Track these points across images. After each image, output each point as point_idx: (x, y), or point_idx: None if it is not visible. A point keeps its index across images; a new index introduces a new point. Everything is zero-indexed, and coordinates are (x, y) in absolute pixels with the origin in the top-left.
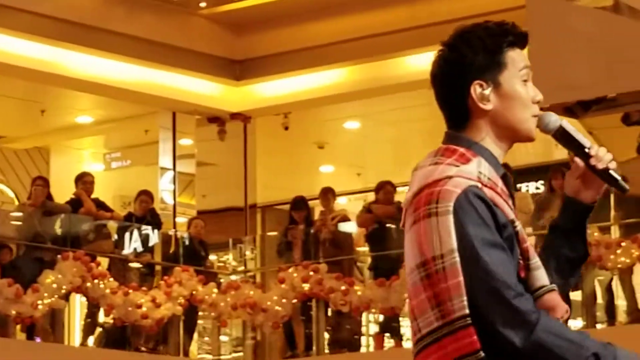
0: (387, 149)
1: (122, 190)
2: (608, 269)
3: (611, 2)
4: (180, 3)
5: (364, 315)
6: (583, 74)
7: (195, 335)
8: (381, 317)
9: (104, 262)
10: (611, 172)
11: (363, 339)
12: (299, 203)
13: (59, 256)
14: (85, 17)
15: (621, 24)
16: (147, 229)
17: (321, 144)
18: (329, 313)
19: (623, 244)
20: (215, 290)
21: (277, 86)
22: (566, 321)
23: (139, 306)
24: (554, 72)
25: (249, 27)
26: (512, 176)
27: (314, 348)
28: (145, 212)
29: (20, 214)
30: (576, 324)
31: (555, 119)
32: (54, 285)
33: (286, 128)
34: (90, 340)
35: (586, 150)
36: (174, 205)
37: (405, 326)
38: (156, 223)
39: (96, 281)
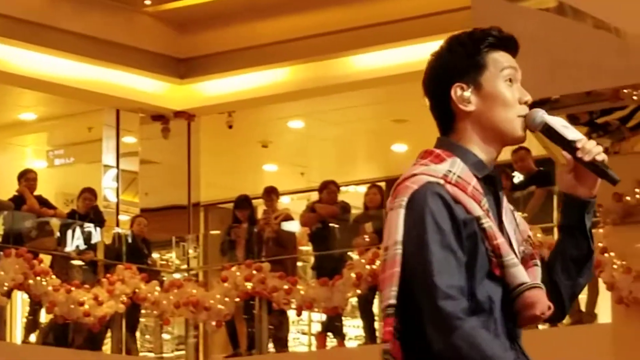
0: (330, 149)
1: (65, 188)
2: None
3: (555, 3)
4: (125, 1)
5: (307, 314)
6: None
7: (138, 334)
8: (324, 317)
9: (46, 259)
10: (598, 164)
11: (305, 338)
12: (243, 202)
13: (1, 253)
14: (30, 14)
15: (565, 26)
16: (90, 227)
17: (265, 143)
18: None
19: None
20: (158, 288)
21: (222, 85)
22: (549, 318)
23: (82, 304)
24: None
25: (194, 26)
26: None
27: (257, 347)
28: (88, 210)
29: None
30: None
31: (540, 115)
32: None
33: (230, 127)
34: (32, 338)
35: (572, 144)
36: (117, 203)
37: (348, 326)
38: (99, 221)
39: (38, 278)
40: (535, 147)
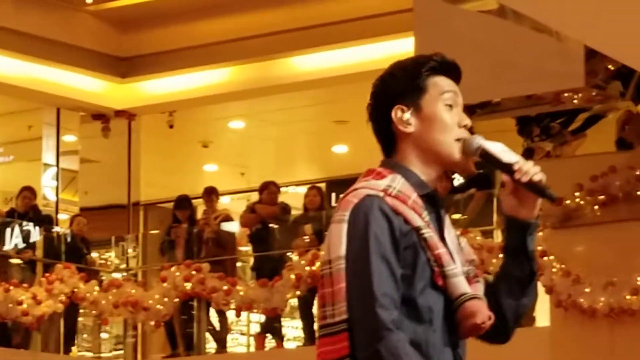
0: (271, 149)
1: (5, 186)
2: (490, 273)
3: (497, 6)
4: None
5: (245, 315)
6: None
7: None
8: (262, 318)
9: None
10: (536, 184)
11: (244, 339)
12: (183, 202)
13: None
14: None
15: (507, 29)
16: (29, 225)
17: (206, 143)
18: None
19: None
20: (97, 288)
21: (163, 84)
22: (490, 327)
23: (20, 303)
24: None
25: (135, 25)
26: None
27: (195, 347)
28: (27, 208)
29: None
30: None
31: (476, 141)
32: None
33: (171, 126)
34: None
35: (510, 166)
36: (57, 202)
37: (287, 327)
38: (38, 219)
39: None
40: None
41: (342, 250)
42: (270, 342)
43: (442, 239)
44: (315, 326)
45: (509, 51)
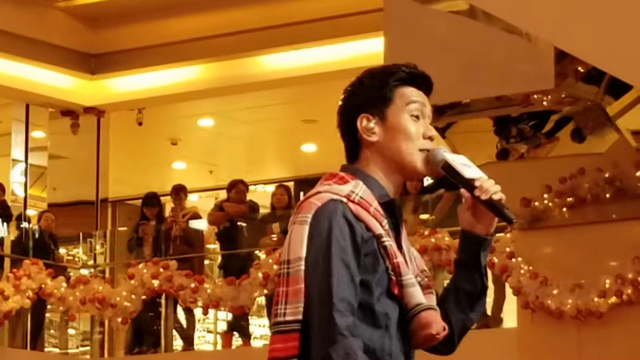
0: (240, 148)
1: None
2: None
3: (467, 7)
4: None
5: (213, 313)
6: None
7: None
8: (230, 316)
9: None
10: (494, 203)
11: (211, 337)
12: (151, 199)
13: None
14: None
15: (476, 30)
16: None
17: (174, 141)
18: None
19: None
20: (64, 284)
21: (132, 81)
22: (439, 350)
23: None
24: None
25: (105, 22)
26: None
27: (162, 345)
28: None
29: None
30: None
31: (440, 153)
32: None
33: (140, 123)
34: None
35: (470, 182)
36: (25, 198)
37: (254, 325)
38: (6, 215)
39: None
40: None
41: (302, 252)
42: (237, 340)
43: (400, 247)
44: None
45: (479, 52)
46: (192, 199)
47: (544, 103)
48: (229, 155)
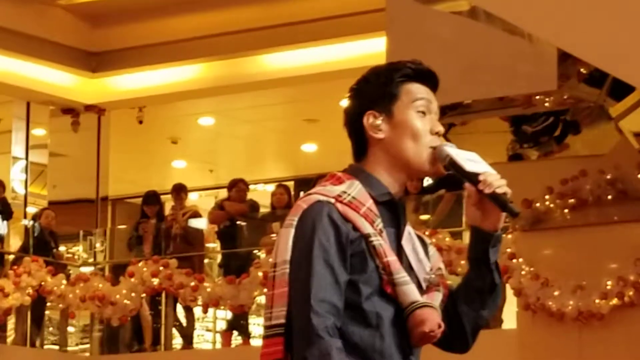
0: (240, 147)
1: None
2: (458, 274)
3: (469, 8)
4: None
5: (212, 311)
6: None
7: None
8: (229, 315)
9: None
10: (498, 196)
11: (210, 336)
12: (151, 197)
13: None
14: None
15: (478, 31)
16: None
17: (175, 139)
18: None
19: None
20: (64, 281)
21: (133, 80)
22: (441, 336)
23: None
24: None
25: (106, 20)
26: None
27: (162, 343)
28: None
29: None
30: None
31: (446, 149)
32: None
33: (140, 122)
34: None
35: (474, 176)
36: (25, 195)
37: (253, 324)
38: (7, 212)
39: None
40: None
41: (288, 255)
42: (236, 339)
43: (399, 246)
44: None
45: (481, 53)
46: (192, 198)
47: (546, 104)
48: (230, 154)
